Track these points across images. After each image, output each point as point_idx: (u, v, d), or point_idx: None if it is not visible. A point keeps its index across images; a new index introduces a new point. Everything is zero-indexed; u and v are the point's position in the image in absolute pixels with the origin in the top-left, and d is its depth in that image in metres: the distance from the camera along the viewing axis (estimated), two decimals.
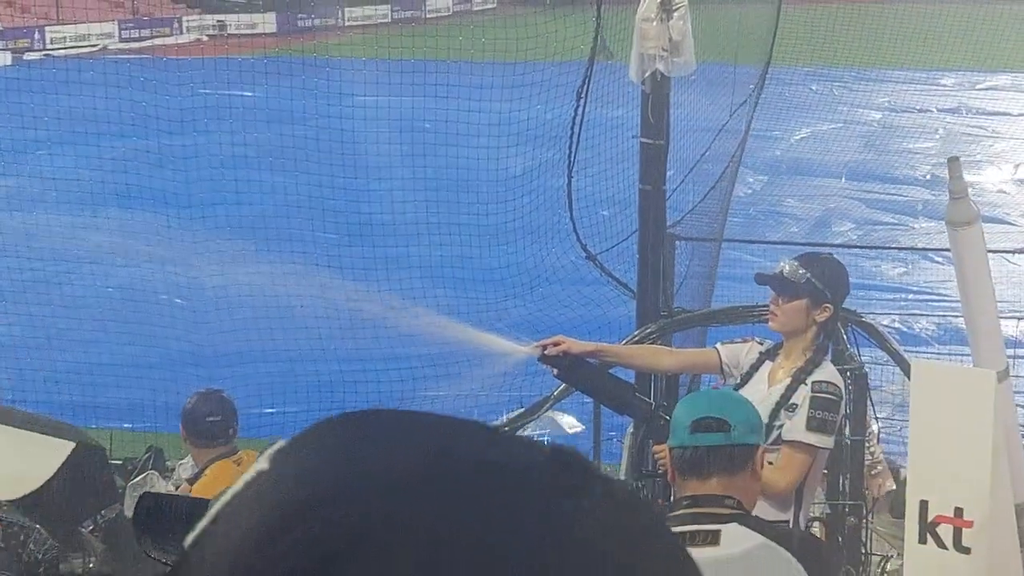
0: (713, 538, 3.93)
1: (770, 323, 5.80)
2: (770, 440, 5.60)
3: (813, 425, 5.55)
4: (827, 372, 5.68)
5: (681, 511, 4.15)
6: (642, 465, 6.36)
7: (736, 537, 3.95)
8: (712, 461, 4.11)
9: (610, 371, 6.07)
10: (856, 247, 18.51)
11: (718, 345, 6.06)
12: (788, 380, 5.65)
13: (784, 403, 5.61)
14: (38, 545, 6.53)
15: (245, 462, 7.04)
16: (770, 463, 5.58)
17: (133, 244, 16.52)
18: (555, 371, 5.80)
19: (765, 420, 5.64)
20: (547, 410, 8.30)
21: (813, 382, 5.59)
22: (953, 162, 5.00)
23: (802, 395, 5.58)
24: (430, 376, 11.26)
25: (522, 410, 8.65)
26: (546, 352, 5.78)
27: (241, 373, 11.96)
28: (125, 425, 11.40)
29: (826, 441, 5.60)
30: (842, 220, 22.54)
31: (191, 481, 7.33)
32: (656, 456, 5.50)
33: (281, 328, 12.51)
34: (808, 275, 5.64)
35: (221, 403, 7.24)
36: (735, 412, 4.25)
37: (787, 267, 5.71)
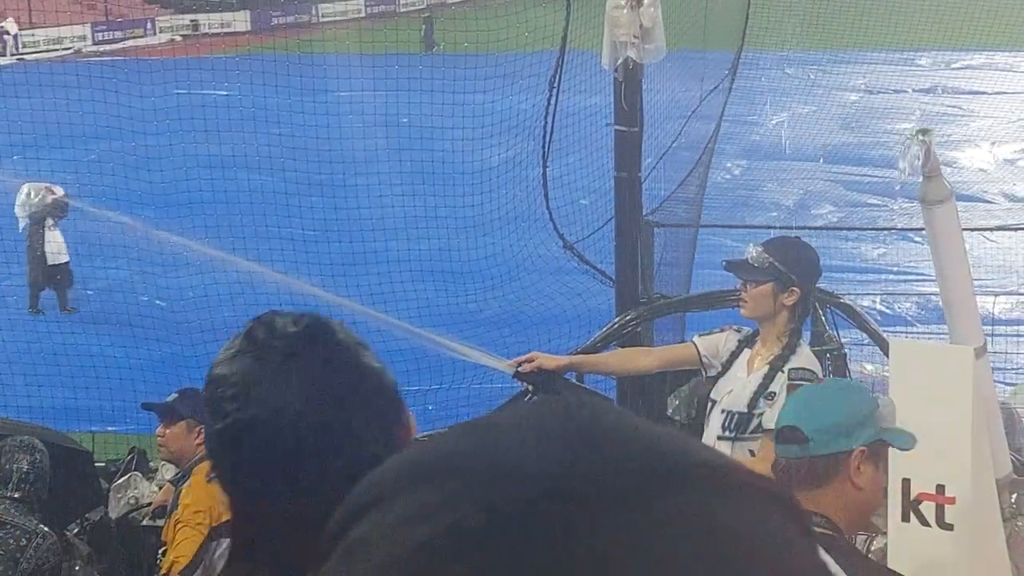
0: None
1: (740, 310, 5.79)
2: (751, 429, 5.61)
3: None
4: (804, 358, 5.67)
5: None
6: None
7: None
8: (791, 476, 3.59)
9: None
10: (835, 228, 18.57)
11: (695, 338, 6.05)
12: (766, 368, 5.64)
13: (763, 391, 5.61)
14: (38, 551, 6.51)
15: None
16: (751, 452, 5.60)
17: (111, 246, 16.47)
18: (530, 387, 5.80)
19: (744, 409, 5.66)
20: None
21: (790, 369, 5.58)
22: (924, 134, 4.99)
23: (780, 383, 5.58)
24: (412, 371, 11.25)
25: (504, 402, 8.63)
26: (520, 369, 5.79)
27: None
28: (108, 428, 11.38)
29: None
30: (821, 203, 22.59)
31: (175, 482, 7.31)
32: None
33: None
34: (771, 259, 5.63)
35: None
36: (812, 419, 3.65)
37: (752, 253, 5.70)
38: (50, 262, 16.84)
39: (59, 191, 16.79)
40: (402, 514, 0.73)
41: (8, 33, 45.85)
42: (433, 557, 0.71)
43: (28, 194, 16.73)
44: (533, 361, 5.78)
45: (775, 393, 5.58)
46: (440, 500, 0.73)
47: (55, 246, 17.09)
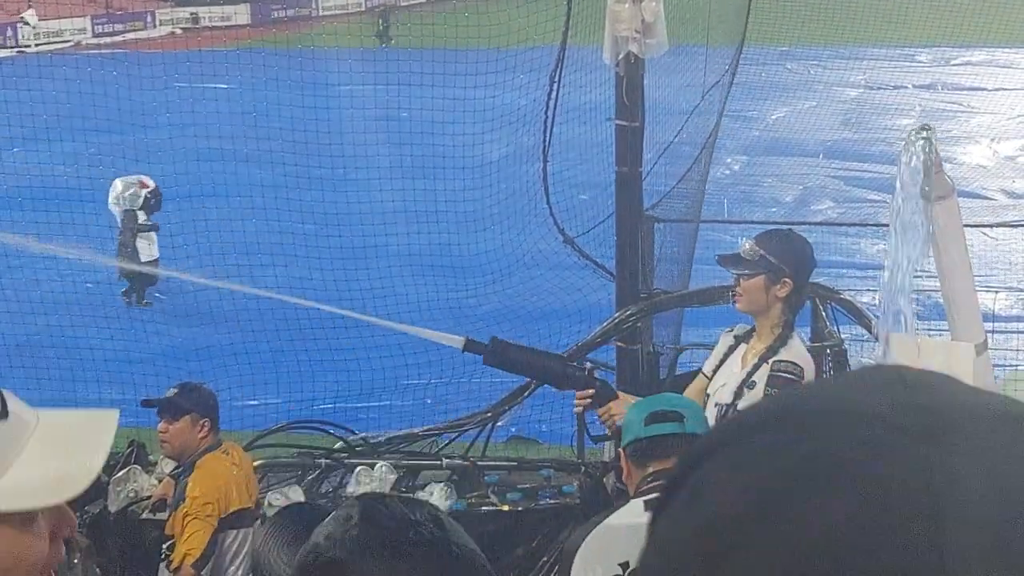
0: None
1: (736, 304, 5.79)
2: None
3: None
4: (792, 351, 5.66)
5: (647, 487, 4.27)
6: (590, 431, 6.29)
7: None
8: (670, 446, 4.26)
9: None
10: (835, 224, 18.55)
11: (704, 368, 6.07)
12: (756, 360, 5.66)
13: (746, 381, 5.62)
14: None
15: (231, 454, 7.03)
16: None
17: (111, 240, 16.47)
18: (484, 358, 5.71)
19: (730, 400, 5.66)
20: (527, 396, 8.29)
21: (774, 361, 5.59)
22: (925, 131, 4.98)
23: (763, 372, 5.58)
24: (412, 364, 11.25)
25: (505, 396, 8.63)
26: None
27: (222, 366, 11.94)
28: None
29: None
30: (821, 198, 22.57)
31: (175, 476, 7.31)
32: (601, 418, 5.48)
33: (261, 320, 12.48)
34: (762, 251, 5.63)
35: (210, 397, 7.22)
36: (685, 405, 4.50)
37: (744, 246, 5.71)
38: (143, 258, 16.69)
39: (151, 183, 16.80)
40: (749, 453, 0.75)
41: (28, 24, 45.81)
42: (790, 486, 0.72)
43: (121, 188, 16.75)
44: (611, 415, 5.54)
45: (755, 383, 5.58)
46: (785, 440, 0.74)
47: (147, 241, 16.93)
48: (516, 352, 5.45)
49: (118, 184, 16.86)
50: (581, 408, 5.44)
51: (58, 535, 1.92)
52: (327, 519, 2.04)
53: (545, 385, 6.79)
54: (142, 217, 16.84)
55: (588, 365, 5.78)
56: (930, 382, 0.79)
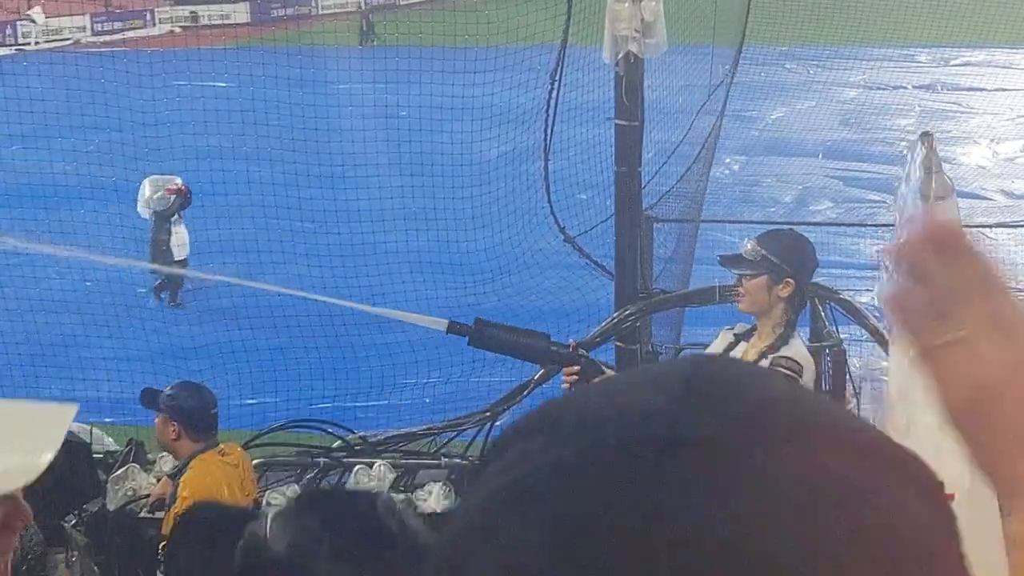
0: None
1: (738, 305, 5.79)
2: None
3: None
4: (793, 349, 5.66)
5: None
6: None
7: None
8: None
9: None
10: (834, 224, 18.53)
11: None
12: (757, 357, 5.65)
13: None
14: (23, 540, 6.49)
15: (228, 453, 7.02)
16: None
17: (110, 238, 16.45)
18: (468, 340, 5.68)
19: None
20: (527, 395, 8.28)
21: (775, 357, 5.59)
22: (926, 137, 4.99)
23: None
24: (409, 363, 11.25)
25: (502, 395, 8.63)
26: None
27: (220, 364, 11.93)
28: (106, 420, 11.36)
29: None
30: (820, 198, 22.57)
31: (173, 475, 7.30)
32: None
33: (260, 318, 12.48)
34: (764, 252, 5.63)
35: (212, 396, 7.22)
36: None
37: (746, 247, 5.71)
38: (176, 257, 16.63)
39: (179, 182, 16.77)
40: (506, 461, 0.76)
41: (34, 21, 45.77)
42: (522, 495, 0.72)
43: (150, 191, 16.72)
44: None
45: None
46: (538, 447, 0.75)
47: (180, 240, 16.88)
48: (500, 331, 5.45)
49: (147, 187, 16.85)
50: (568, 384, 5.45)
51: (10, 526, 1.89)
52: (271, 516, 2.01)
53: (544, 385, 6.80)
54: (175, 217, 16.83)
55: (572, 341, 5.77)
56: (718, 381, 0.76)
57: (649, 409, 0.73)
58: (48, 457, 1.83)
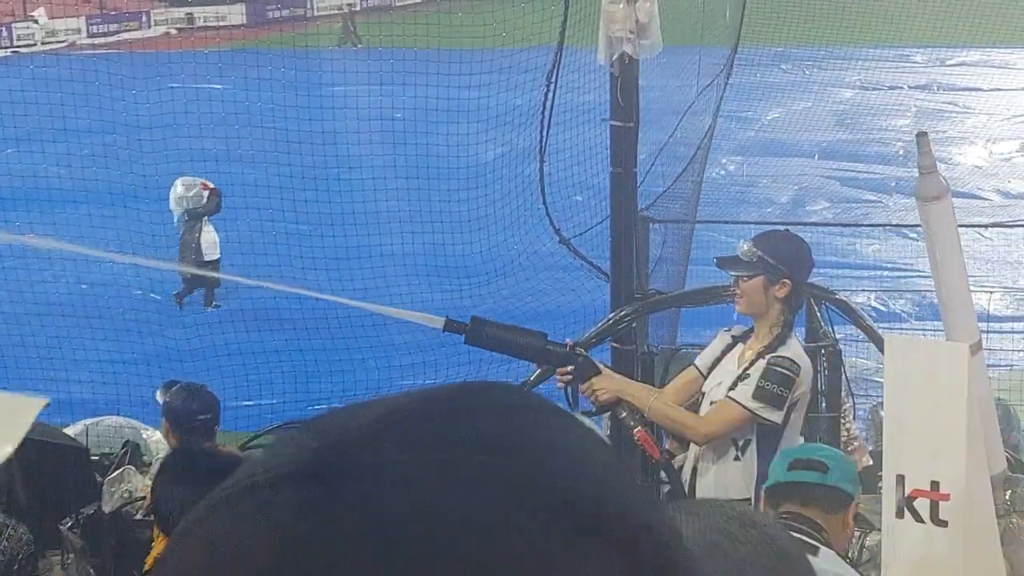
0: (811, 550, 3.89)
1: (736, 306, 5.81)
2: None
3: (759, 394, 5.55)
4: (790, 350, 5.68)
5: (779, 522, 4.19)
6: (576, 406, 6.28)
7: (831, 559, 4.02)
8: (809, 493, 4.25)
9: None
10: (830, 224, 18.55)
11: (696, 361, 6.05)
12: (754, 357, 5.67)
13: (741, 376, 5.63)
14: (12, 541, 6.49)
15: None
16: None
17: (106, 240, 16.44)
18: (464, 338, 5.68)
19: (724, 394, 5.68)
20: None
21: (771, 356, 5.60)
22: (921, 137, 5.00)
23: (759, 367, 5.59)
24: (406, 365, 11.25)
25: None
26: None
27: (216, 366, 11.92)
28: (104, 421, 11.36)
29: (771, 413, 5.56)
30: (816, 199, 22.57)
31: None
32: (584, 394, 5.49)
33: (256, 321, 12.47)
34: (760, 253, 5.64)
35: (211, 398, 7.23)
36: (833, 458, 4.44)
37: (743, 248, 5.72)
38: (207, 257, 16.58)
39: (210, 185, 16.76)
40: (211, 497, 0.73)
41: (36, 22, 45.75)
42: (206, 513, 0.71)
43: (182, 189, 16.70)
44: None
45: (750, 375, 5.59)
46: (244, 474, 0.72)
47: (209, 241, 16.83)
48: (496, 330, 5.47)
49: (179, 186, 16.81)
50: (563, 384, 5.48)
51: None
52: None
53: (543, 384, 6.80)
54: (205, 218, 16.79)
55: (569, 340, 5.78)
56: (444, 412, 0.73)
57: (336, 437, 0.72)
58: (8, 450, 1.79)
